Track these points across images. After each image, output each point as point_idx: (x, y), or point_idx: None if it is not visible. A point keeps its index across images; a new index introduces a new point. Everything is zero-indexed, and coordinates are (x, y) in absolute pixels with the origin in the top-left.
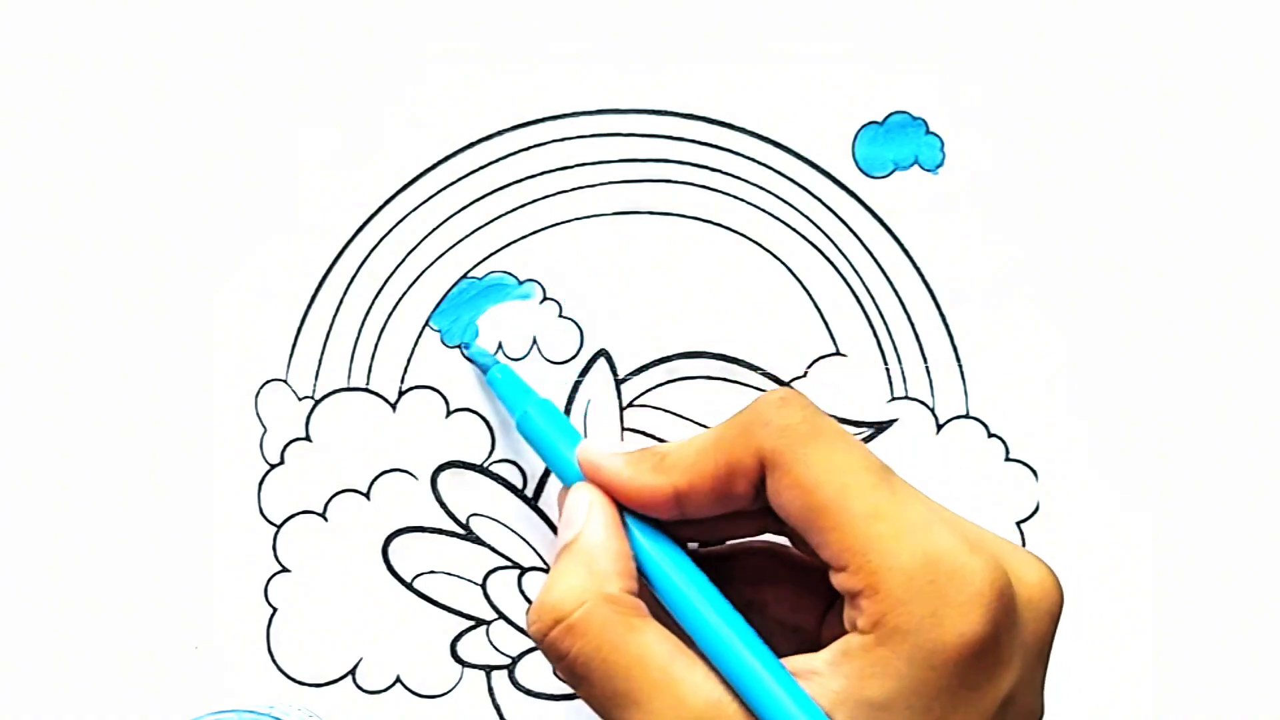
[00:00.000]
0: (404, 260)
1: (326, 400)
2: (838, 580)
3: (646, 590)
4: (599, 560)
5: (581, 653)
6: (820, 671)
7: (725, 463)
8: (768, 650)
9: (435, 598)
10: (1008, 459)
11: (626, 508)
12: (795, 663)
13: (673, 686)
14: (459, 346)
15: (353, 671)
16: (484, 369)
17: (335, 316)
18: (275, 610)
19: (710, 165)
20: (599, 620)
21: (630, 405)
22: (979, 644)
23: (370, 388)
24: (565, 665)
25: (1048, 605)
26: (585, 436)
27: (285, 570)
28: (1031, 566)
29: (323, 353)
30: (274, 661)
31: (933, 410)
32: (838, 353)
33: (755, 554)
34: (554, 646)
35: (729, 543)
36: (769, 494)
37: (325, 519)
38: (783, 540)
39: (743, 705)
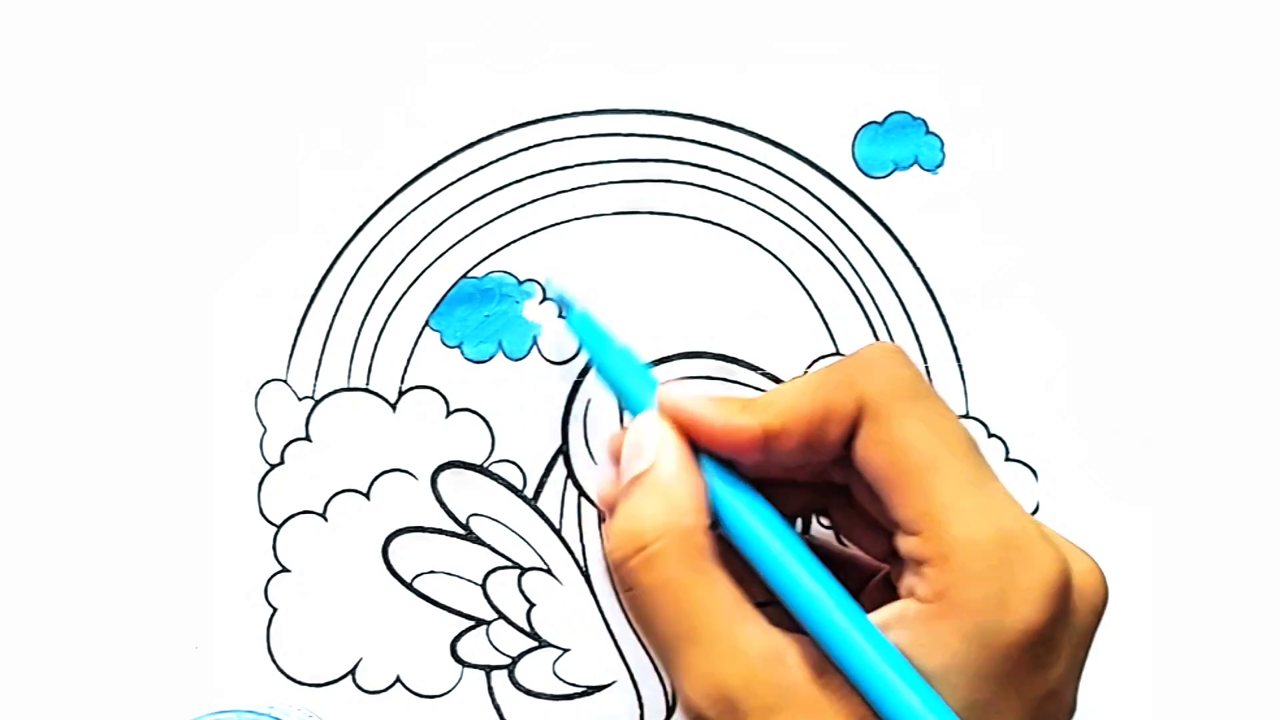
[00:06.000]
0: (404, 260)
1: (326, 400)
2: (906, 545)
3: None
4: (675, 492)
5: (654, 585)
6: None
7: (824, 405)
8: (853, 602)
9: (435, 598)
10: (1008, 459)
11: (702, 448)
12: None
13: (733, 633)
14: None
15: (353, 671)
16: (562, 310)
17: (335, 316)
18: (275, 610)
19: (710, 165)
20: (675, 555)
21: None
22: (1038, 633)
23: (370, 388)
24: (634, 595)
25: (1096, 601)
26: (585, 442)
27: (285, 570)
28: (1083, 562)
29: (323, 353)
30: (274, 661)
31: None
32: (838, 353)
33: None
34: (631, 574)
35: None
36: (857, 446)
37: (325, 519)
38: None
39: (802, 657)
